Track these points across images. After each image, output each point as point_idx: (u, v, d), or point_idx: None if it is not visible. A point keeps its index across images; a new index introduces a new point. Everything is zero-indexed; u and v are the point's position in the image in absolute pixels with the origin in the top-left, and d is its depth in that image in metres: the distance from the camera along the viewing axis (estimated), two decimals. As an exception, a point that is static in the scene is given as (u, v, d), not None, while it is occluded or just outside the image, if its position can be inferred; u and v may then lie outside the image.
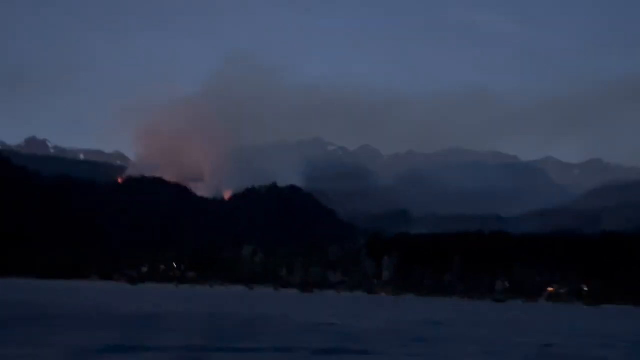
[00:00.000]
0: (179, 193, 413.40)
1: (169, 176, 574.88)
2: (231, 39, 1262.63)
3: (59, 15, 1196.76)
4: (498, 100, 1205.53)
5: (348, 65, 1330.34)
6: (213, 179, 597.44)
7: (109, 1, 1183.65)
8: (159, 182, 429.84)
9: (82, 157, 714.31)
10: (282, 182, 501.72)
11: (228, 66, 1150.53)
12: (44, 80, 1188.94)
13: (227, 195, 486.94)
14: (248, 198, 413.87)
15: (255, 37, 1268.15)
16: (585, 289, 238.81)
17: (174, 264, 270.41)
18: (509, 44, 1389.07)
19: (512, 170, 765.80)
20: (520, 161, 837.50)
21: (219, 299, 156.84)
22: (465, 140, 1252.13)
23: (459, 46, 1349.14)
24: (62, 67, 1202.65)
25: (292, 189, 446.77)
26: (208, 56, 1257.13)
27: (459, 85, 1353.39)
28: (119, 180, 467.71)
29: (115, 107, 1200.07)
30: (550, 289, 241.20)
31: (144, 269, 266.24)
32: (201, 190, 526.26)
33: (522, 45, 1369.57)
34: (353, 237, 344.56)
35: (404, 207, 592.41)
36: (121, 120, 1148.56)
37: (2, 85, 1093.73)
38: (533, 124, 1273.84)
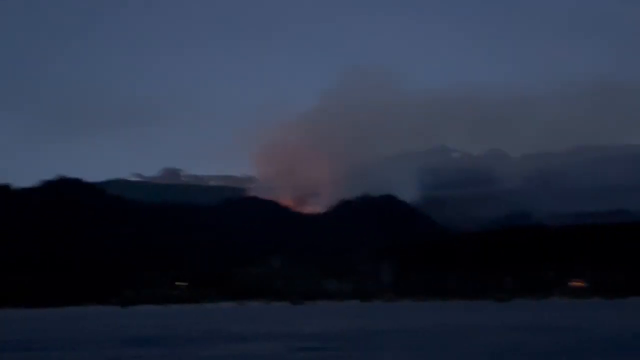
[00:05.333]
0: (274, 211, 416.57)
1: (287, 194, 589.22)
2: (346, 49, 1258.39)
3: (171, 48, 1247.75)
4: (631, 91, 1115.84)
5: (468, 67, 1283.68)
6: (330, 195, 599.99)
7: (216, 24, 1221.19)
8: (252, 200, 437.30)
9: (212, 183, 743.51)
10: (402, 193, 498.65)
11: (345, 77, 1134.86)
12: (171, 112, 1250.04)
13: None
14: (339, 211, 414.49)
15: (370, 46, 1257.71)
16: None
17: (176, 283, 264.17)
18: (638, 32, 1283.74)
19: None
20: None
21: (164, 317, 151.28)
22: (596, 136, 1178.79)
23: (583, 37, 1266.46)
24: (183, 96, 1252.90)
25: (387, 197, 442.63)
26: (323, 69, 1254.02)
27: (586, 77, 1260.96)
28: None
29: (238, 130, 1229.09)
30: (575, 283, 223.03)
31: (144, 290, 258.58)
32: (318, 206, 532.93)
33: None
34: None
35: (527, 209, 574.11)
36: (246, 142, 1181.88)
37: (135, 122, 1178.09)
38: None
